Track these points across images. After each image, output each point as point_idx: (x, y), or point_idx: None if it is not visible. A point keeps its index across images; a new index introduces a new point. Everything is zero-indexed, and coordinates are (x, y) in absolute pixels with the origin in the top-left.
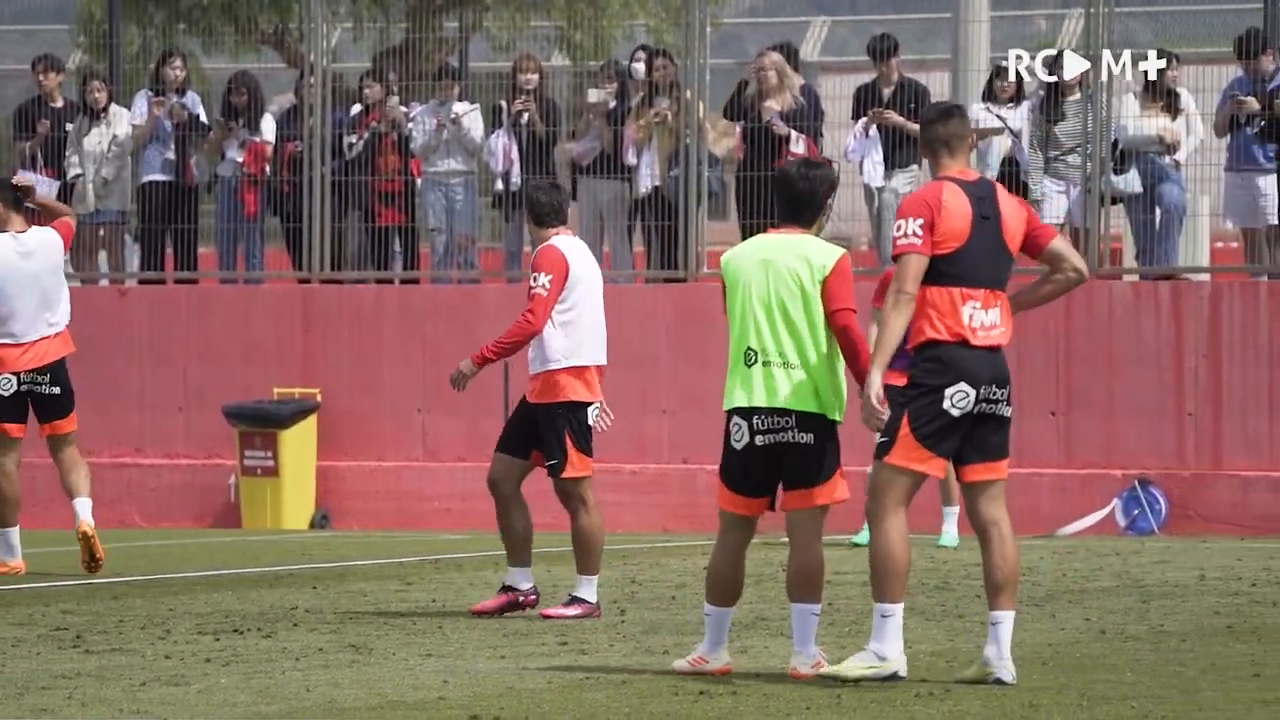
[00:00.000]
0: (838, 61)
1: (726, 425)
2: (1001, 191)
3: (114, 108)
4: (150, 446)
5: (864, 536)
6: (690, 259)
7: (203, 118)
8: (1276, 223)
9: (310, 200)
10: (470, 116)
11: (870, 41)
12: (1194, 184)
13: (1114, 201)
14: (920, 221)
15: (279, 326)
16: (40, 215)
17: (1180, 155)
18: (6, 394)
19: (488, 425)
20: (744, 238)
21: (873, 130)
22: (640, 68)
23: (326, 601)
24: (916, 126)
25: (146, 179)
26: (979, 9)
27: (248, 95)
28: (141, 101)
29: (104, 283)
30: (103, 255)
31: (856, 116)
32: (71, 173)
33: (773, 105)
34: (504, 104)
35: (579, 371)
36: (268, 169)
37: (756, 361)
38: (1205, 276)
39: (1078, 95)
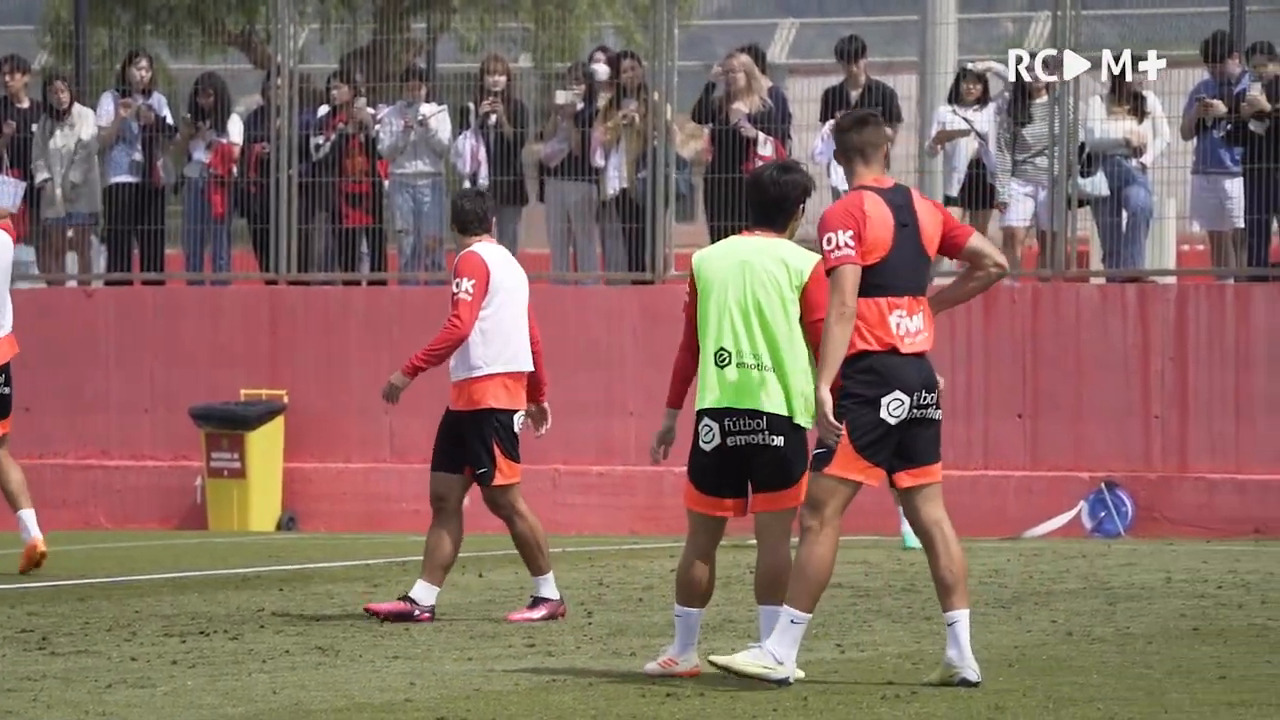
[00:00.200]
0: (805, 64)
1: (695, 426)
2: (917, 196)
3: (77, 108)
4: (116, 448)
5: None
6: (658, 261)
7: (169, 119)
8: (1243, 226)
9: (277, 201)
10: (438, 118)
11: (838, 44)
12: (1161, 187)
13: (1081, 204)
14: (850, 233)
15: (246, 328)
16: None
17: (1147, 158)
18: None
19: None
20: (712, 240)
21: None
22: (601, 69)
23: (293, 603)
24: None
25: (114, 180)
26: (946, 12)
27: (214, 96)
28: (108, 102)
29: (71, 284)
30: (71, 256)
31: (824, 119)
32: (40, 176)
33: (741, 107)
34: (472, 105)
35: (501, 378)
36: (235, 170)
37: (729, 363)
38: (1172, 279)
39: (1044, 98)
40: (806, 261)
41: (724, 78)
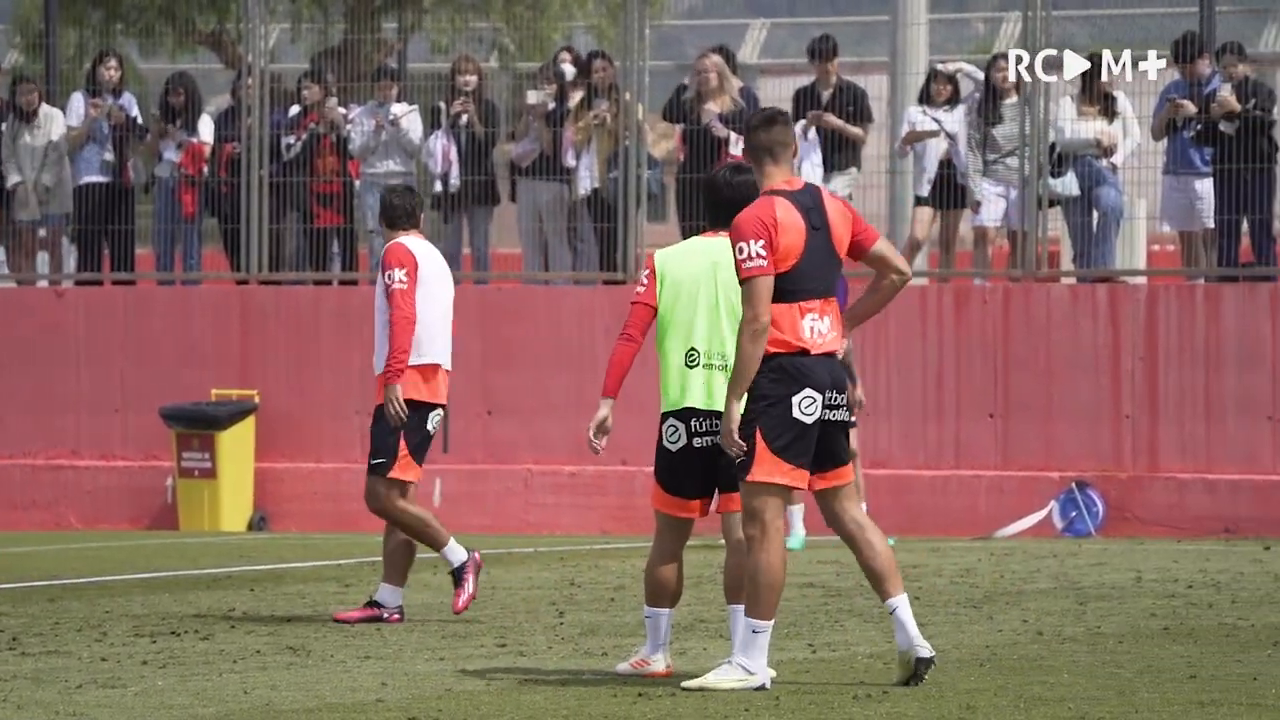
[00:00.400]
0: (777, 64)
1: (660, 427)
2: (826, 196)
3: (45, 109)
4: (87, 448)
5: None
6: (629, 261)
7: (139, 119)
8: (1213, 226)
9: (248, 201)
10: (409, 118)
11: (809, 44)
12: (1131, 187)
13: (1051, 204)
14: (762, 242)
15: (216, 328)
16: None
17: (1117, 158)
18: None
19: None
20: (684, 239)
21: (811, 133)
22: (568, 69)
23: (264, 603)
24: (857, 130)
25: (84, 180)
26: (917, 12)
27: (185, 96)
28: (78, 103)
29: (42, 284)
30: (42, 256)
31: (795, 119)
32: (11, 179)
33: (712, 107)
34: (443, 105)
35: (422, 371)
36: (205, 170)
37: (698, 364)
38: (1142, 279)
39: (1015, 98)
40: None
41: (696, 78)
